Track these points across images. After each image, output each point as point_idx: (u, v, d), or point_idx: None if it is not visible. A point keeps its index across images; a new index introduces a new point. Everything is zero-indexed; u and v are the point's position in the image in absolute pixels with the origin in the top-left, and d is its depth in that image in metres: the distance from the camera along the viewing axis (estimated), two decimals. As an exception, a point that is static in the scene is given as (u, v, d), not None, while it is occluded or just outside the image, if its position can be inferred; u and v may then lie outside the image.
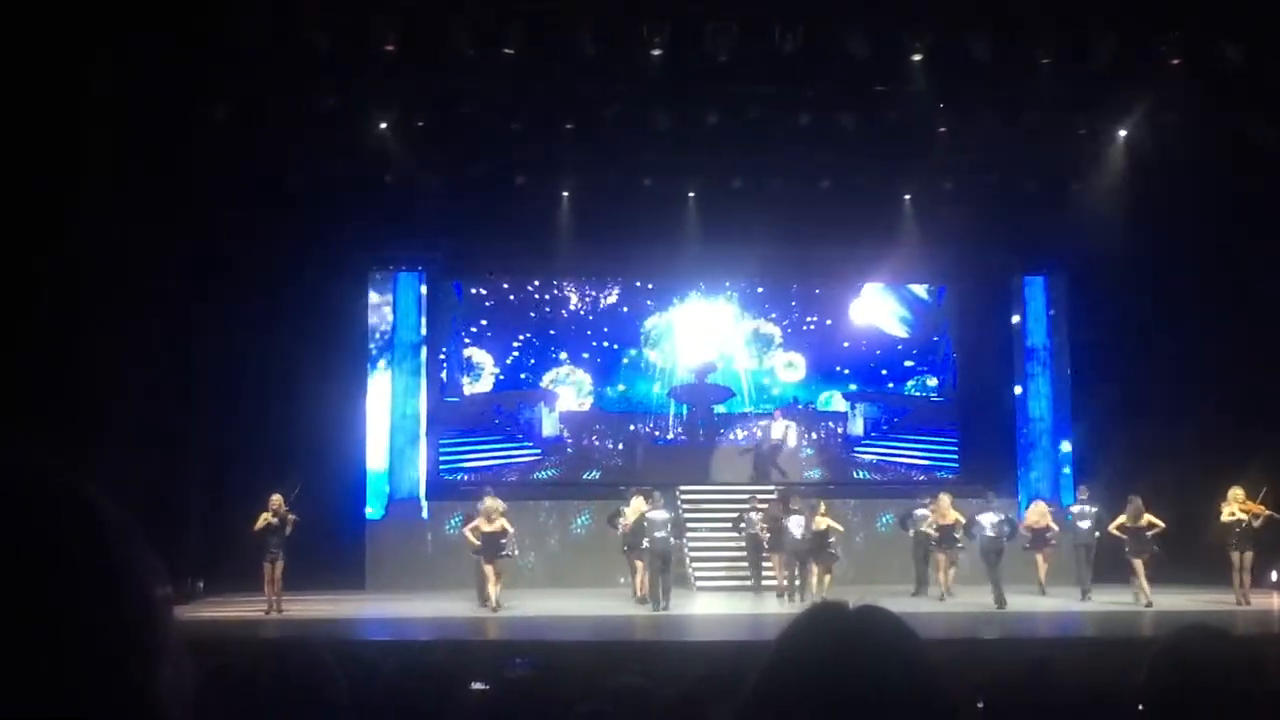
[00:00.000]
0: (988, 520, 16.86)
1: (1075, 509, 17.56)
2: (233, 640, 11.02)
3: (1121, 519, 16.24)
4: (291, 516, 15.59)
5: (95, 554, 0.92)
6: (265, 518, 15.54)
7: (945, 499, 17.29)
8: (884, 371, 21.83)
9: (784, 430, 20.70)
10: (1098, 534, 16.81)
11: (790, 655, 1.29)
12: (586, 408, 21.32)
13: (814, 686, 1.24)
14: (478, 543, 16.00)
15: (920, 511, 17.64)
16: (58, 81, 12.87)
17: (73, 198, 13.65)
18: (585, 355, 21.42)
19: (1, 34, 12.09)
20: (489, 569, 15.85)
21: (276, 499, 15.63)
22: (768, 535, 17.44)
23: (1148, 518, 16.08)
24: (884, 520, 19.48)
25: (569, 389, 21.33)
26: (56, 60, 12.75)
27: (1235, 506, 15.95)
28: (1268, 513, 15.85)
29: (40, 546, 0.90)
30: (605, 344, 21.46)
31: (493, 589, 15.80)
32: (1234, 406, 18.24)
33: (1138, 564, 15.86)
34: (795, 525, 16.87)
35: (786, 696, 1.25)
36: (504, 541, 16.00)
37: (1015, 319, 21.73)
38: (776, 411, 21.04)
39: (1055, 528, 17.34)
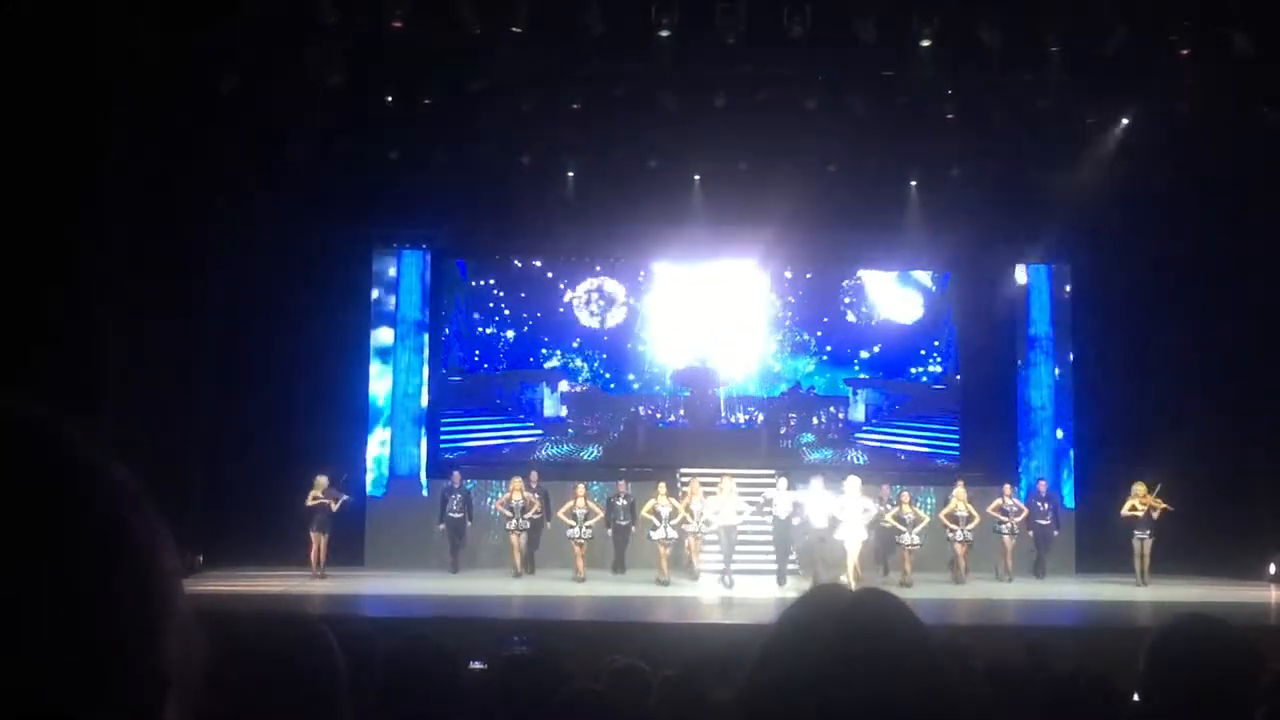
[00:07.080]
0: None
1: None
2: (233, 615, 11.04)
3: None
4: (344, 496, 17.31)
5: (107, 520, 0.89)
6: (315, 496, 16.93)
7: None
8: (886, 357, 21.78)
9: (790, 503, 17.79)
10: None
11: (790, 636, 1.29)
12: (589, 389, 21.29)
13: (814, 667, 1.24)
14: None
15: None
16: (69, 55, 12.83)
17: (84, 169, 13.62)
18: (589, 336, 21.39)
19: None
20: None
21: (322, 481, 17.02)
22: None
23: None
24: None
25: (572, 369, 21.31)
26: (66, 33, 12.71)
27: (1136, 500, 17.11)
28: (1163, 506, 17.01)
29: (50, 510, 0.87)
30: (609, 325, 21.41)
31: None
32: (1235, 396, 18.23)
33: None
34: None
35: (787, 677, 1.25)
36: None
37: (1018, 307, 21.68)
38: (780, 482, 18.24)
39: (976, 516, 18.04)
